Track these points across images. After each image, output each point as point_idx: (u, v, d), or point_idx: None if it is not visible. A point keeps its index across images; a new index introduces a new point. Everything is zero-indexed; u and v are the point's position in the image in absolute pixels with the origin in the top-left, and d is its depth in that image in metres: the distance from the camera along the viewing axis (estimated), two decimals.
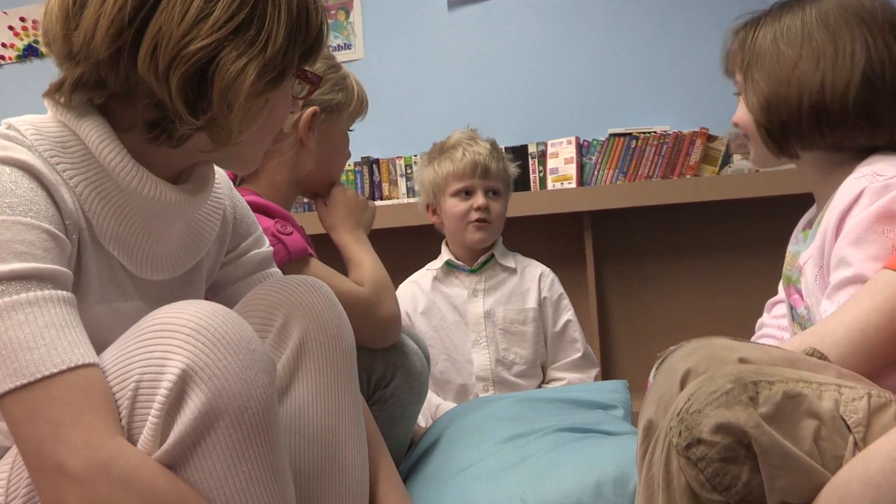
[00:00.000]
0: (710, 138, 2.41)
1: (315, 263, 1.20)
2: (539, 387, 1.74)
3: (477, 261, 1.75)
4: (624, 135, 2.48)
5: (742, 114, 1.11)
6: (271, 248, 1.06)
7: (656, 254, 2.57)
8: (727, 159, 2.42)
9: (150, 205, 0.82)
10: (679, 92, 2.55)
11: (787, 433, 0.57)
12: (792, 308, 1.11)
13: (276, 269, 1.06)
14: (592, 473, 1.01)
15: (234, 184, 1.28)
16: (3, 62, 3.12)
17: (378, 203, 2.68)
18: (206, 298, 0.95)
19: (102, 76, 0.77)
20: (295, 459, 0.88)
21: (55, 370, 0.66)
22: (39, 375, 0.65)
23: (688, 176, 2.40)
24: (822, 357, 0.70)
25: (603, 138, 2.50)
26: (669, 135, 2.43)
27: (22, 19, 3.09)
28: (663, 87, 2.57)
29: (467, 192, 1.70)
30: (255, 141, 0.86)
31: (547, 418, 1.23)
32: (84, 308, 0.74)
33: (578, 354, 1.72)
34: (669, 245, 2.55)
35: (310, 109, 1.24)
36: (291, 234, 1.18)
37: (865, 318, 0.80)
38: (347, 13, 2.81)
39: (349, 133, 1.37)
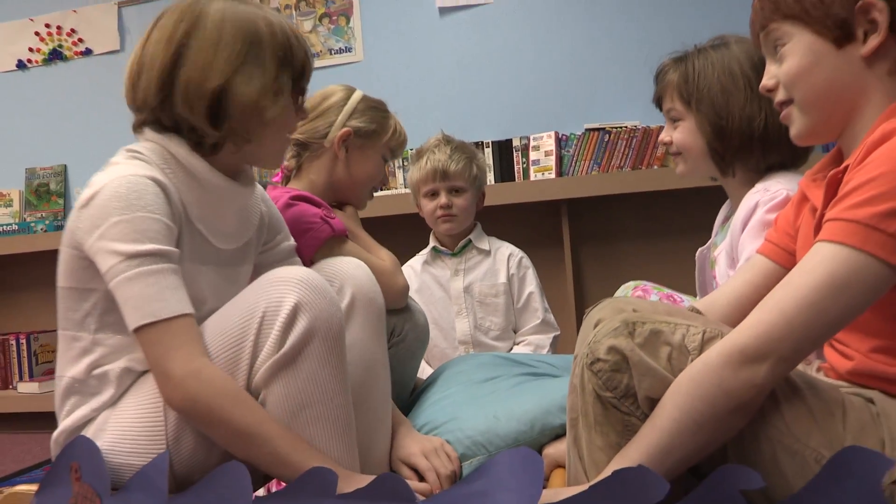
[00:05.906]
0: None
1: (351, 242, 1.53)
2: (510, 349, 2.04)
3: (457, 245, 2.07)
4: (598, 129, 2.66)
5: (685, 137, 1.37)
6: (294, 242, 1.38)
7: (628, 237, 2.77)
8: None
9: (221, 193, 1.13)
10: (647, 90, 2.68)
11: (651, 355, 0.85)
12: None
13: (297, 259, 1.38)
14: (546, 398, 1.32)
15: (284, 183, 1.62)
16: (30, 65, 3.32)
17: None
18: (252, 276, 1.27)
19: (157, 117, 1.10)
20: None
21: (170, 315, 0.99)
22: (161, 318, 0.98)
23: (655, 166, 2.59)
24: (697, 311, 0.99)
25: (579, 132, 2.68)
26: (639, 129, 2.61)
27: (47, 25, 3.31)
28: (633, 86, 2.76)
29: (433, 194, 2.00)
30: (271, 141, 1.17)
31: (516, 368, 1.55)
32: (180, 266, 1.06)
33: (538, 321, 2.04)
34: (639, 229, 2.75)
35: (344, 129, 1.56)
36: (334, 218, 1.51)
37: (740, 288, 1.09)
38: (348, 19, 3.03)
39: (389, 165, 1.66)
